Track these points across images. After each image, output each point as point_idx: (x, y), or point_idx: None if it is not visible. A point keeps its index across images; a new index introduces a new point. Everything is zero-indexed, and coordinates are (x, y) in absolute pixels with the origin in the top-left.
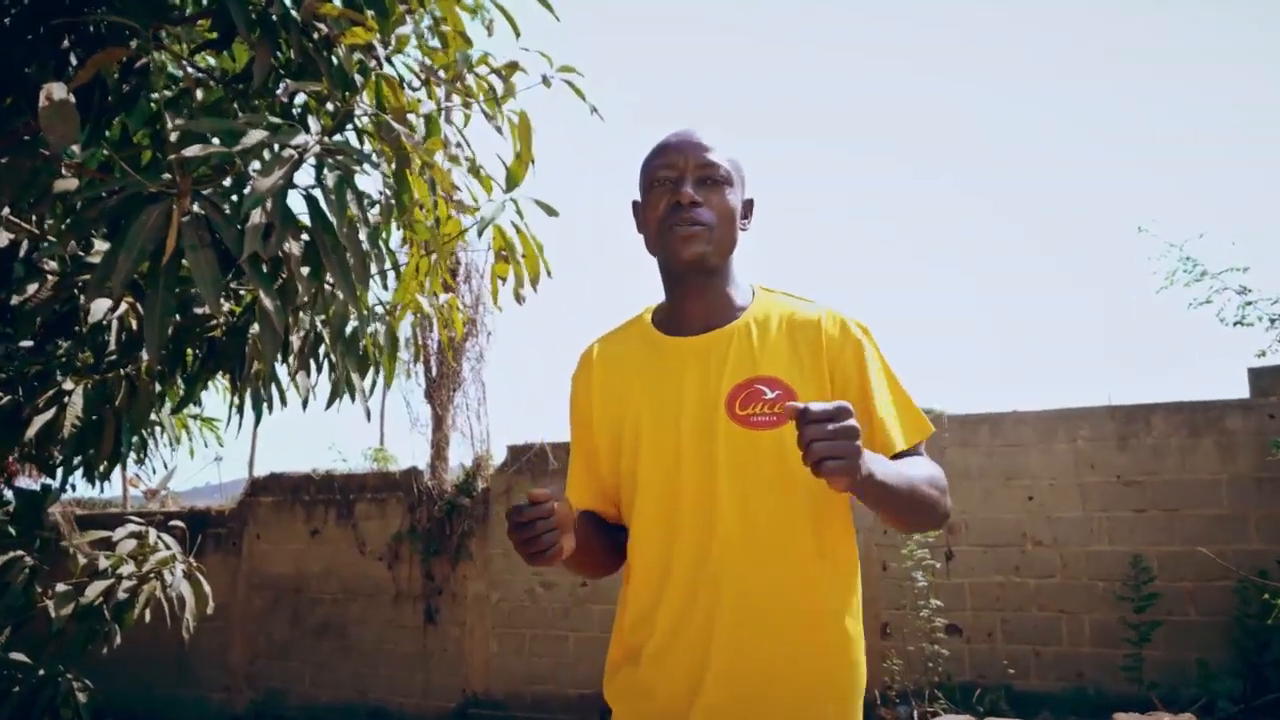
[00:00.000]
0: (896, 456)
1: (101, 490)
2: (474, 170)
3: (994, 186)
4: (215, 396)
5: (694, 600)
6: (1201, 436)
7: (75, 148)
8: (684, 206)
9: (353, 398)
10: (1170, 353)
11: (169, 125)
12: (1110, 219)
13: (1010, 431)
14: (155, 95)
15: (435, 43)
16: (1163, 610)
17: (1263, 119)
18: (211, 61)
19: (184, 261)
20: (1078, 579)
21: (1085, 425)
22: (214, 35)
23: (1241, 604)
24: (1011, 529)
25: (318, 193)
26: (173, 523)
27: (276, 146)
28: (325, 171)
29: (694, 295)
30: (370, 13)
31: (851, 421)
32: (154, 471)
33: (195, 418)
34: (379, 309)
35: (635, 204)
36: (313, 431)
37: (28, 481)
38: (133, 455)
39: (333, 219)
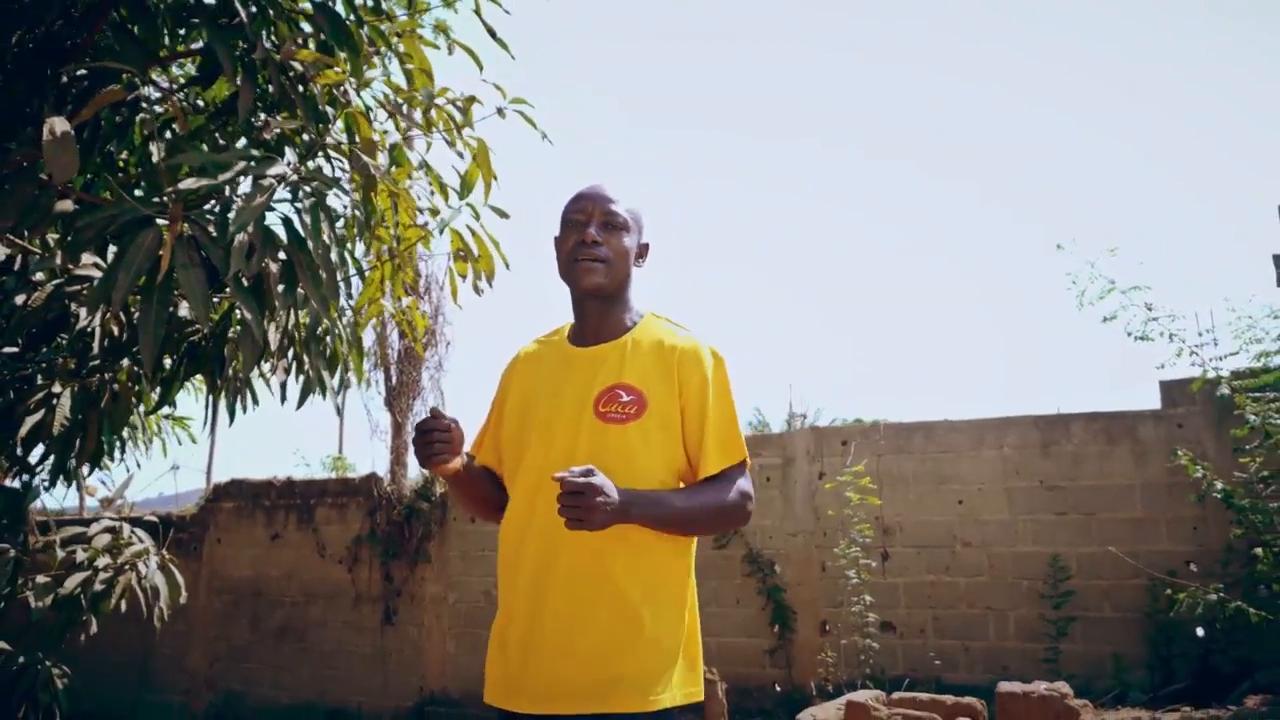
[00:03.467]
0: (709, 477)
1: (72, 486)
2: (438, 187)
3: (922, 195)
4: (188, 397)
5: (541, 562)
6: (1117, 444)
7: None
8: (587, 244)
9: (323, 395)
10: (1093, 364)
11: (156, 152)
12: (1039, 232)
13: (942, 438)
14: (142, 121)
15: (400, 78)
16: (1079, 607)
17: (1157, 140)
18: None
19: (174, 276)
20: (1003, 578)
21: (1012, 433)
22: (199, 73)
23: (1153, 601)
24: (943, 531)
25: (293, 214)
26: (146, 517)
27: (256, 176)
28: (301, 198)
29: (590, 315)
30: (343, 55)
31: (598, 499)
32: (127, 470)
33: (168, 418)
34: (346, 312)
35: (555, 239)
36: (271, 440)
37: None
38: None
39: (308, 240)
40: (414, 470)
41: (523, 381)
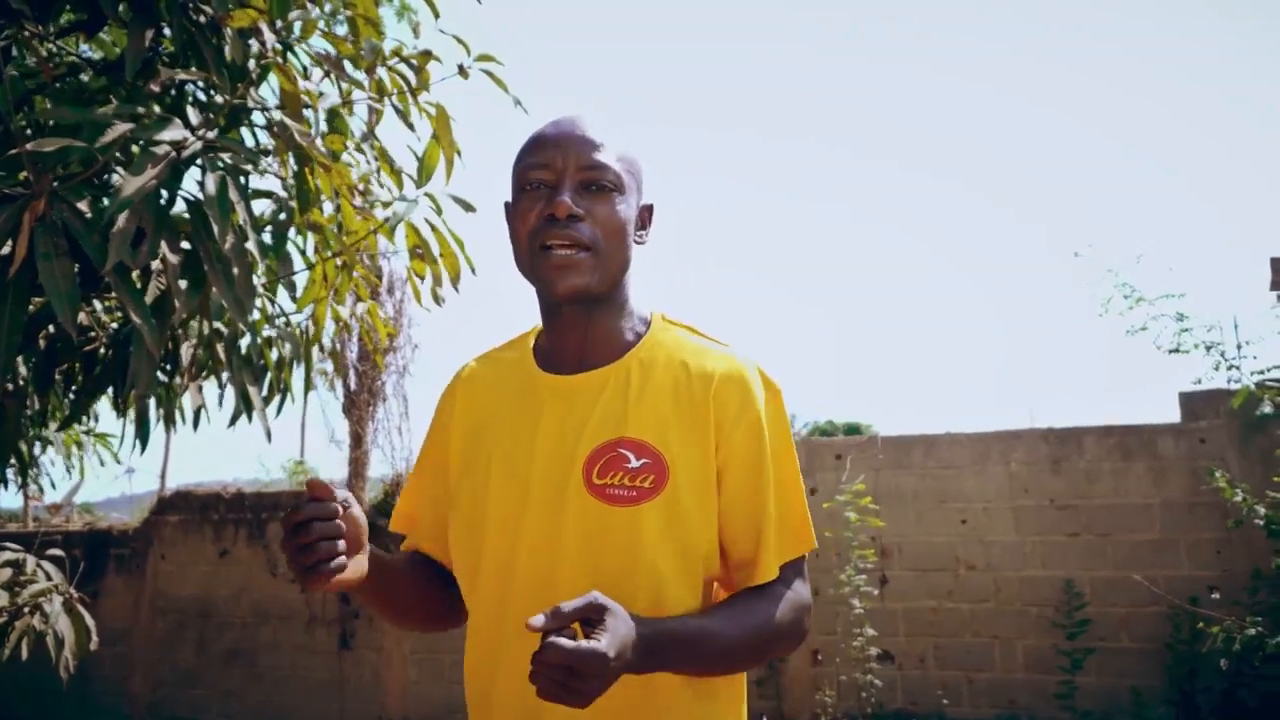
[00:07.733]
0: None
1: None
2: (387, 166)
3: (929, 199)
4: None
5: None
6: (1134, 460)
7: None
8: (560, 221)
9: (249, 417)
10: (1102, 376)
11: (17, 119)
12: (1047, 240)
13: (944, 453)
14: (18, 83)
15: (343, 30)
16: (1095, 637)
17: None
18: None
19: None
20: (1011, 604)
21: (1019, 448)
22: (80, 17)
23: (1174, 630)
24: (945, 553)
25: (200, 195)
26: (51, 550)
27: (146, 143)
28: (207, 173)
29: (570, 328)
30: None
31: (591, 681)
32: (56, 483)
33: (89, 432)
34: (280, 321)
35: (507, 205)
36: (233, 442)
37: None
38: (12, 474)
39: (214, 225)
40: (376, 474)
41: (467, 424)
